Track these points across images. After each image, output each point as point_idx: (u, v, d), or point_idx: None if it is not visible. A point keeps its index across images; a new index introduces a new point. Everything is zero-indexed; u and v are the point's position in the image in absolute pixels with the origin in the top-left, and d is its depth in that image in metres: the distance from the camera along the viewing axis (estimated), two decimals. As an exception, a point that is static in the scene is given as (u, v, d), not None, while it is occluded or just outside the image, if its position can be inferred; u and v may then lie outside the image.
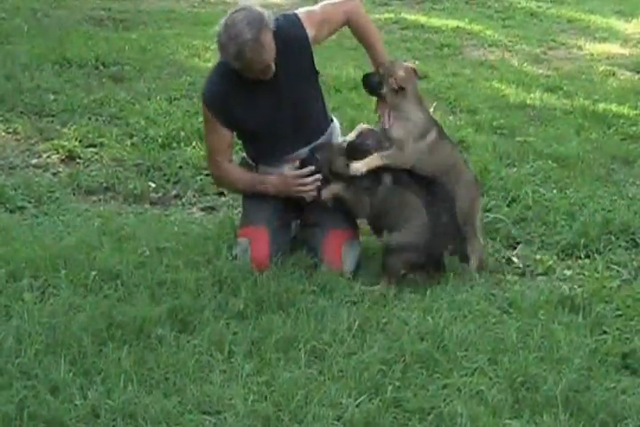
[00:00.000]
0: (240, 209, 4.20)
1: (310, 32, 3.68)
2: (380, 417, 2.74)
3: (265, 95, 3.65)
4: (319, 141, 3.85)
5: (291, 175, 3.71)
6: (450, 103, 6.40)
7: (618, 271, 3.93)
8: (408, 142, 3.67)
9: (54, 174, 4.82)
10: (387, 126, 3.72)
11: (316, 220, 3.79)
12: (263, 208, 3.78)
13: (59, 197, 4.48)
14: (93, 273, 3.47)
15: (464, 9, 10.19)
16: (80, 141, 5.17)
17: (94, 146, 5.16)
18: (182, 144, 5.19)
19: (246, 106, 3.65)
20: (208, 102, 3.70)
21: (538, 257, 4.04)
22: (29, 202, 4.40)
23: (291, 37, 3.62)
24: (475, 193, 3.88)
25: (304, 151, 3.79)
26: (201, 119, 5.44)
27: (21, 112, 5.63)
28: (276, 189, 3.73)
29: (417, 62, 7.55)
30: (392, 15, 9.43)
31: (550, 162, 5.14)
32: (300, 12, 3.74)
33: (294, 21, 3.67)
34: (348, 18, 3.79)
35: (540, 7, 10.42)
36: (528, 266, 3.99)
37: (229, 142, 3.79)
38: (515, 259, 4.03)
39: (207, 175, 4.84)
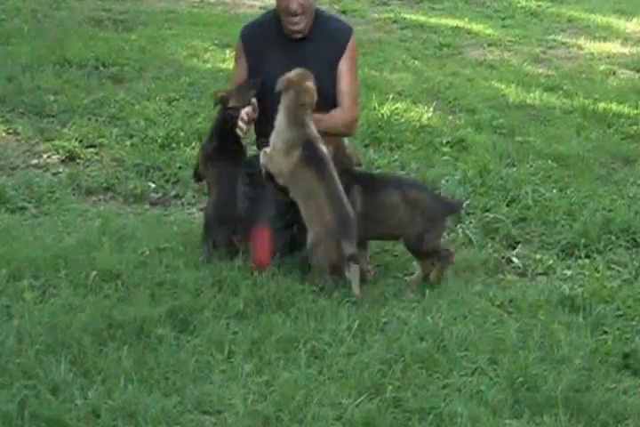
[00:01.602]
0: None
1: (350, 44, 3.87)
2: (380, 417, 2.74)
3: (287, 54, 3.83)
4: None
5: None
6: (449, 103, 6.41)
7: (618, 271, 3.94)
8: (275, 150, 3.57)
9: (54, 175, 4.82)
10: None
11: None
12: (265, 209, 3.79)
13: (59, 197, 4.48)
14: (94, 273, 3.47)
15: (463, 8, 10.21)
16: (80, 142, 5.17)
17: (94, 146, 5.16)
18: (182, 144, 5.20)
19: (267, 52, 3.86)
20: (242, 31, 3.98)
21: (538, 257, 4.05)
22: (30, 202, 4.40)
23: (336, 29, 3.89)
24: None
25: None
26: (199, 120, 5.53)
27: (22, 113, 5.64)
28: None
29: (416, 62, 7.57)
30: (391, 15, 9.44)
31: (550, 161, 5.15)
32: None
33: (349, 27, 3.95)
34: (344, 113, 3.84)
35: (539, 6, 10.43)
36: (528, 266, 3.99)
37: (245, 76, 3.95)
38: (514, 259, 4.04)
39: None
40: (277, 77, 3.74)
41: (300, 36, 3.85)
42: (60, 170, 4.87)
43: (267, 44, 3.89)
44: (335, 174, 3.54)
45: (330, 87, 3.86)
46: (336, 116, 3.83)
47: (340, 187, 3.53)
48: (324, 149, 3.57)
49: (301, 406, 2.75)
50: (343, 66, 3.86)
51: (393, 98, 6.17)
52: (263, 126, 3.93)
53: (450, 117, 6.07)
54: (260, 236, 3.72)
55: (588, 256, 4.06)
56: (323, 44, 3.84)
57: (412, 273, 3.78)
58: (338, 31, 3.89)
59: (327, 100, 3.83)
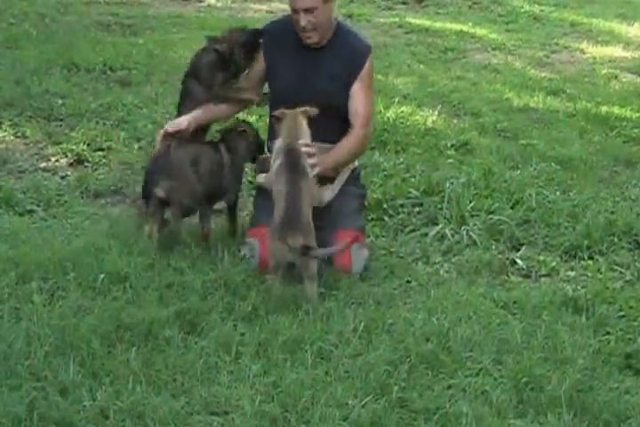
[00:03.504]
0: (247, 211, 4.26)
1: (366, 65, 3.83)
2: (386, 417, 2.76)
3: (303, 61, 3.83)
4: None
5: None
6: (454, 106, 6.43)
7: (621, 272, 3.96)
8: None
9: (63, 178, 4.85)
10: None
11: (326, 221, 3.80)
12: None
13: (67, 200, 4.51)
14: (102, 276, 3.50)
15: (467, 13, 10.23)
16: (88, 145, 5.20)
17: (102, 150, 5.19)
18: (189, 148, 5.23)
19: (285, 55, 3.86)
20: (266, 27, 3.98)
21: (541, 258, 4.08)
22: (38, 205, 4.43)
23: (354, 47, 3.83)
24: None
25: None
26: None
27: (30, 116, 5.66)
28: None
29: (421, 66, 7.60)
30: (396, 19, 9.47)
31: (553, 164, 5.18)
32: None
33: (367, 46, 3.89)
34: (359, 125, 3.83)
35: (542, 11, 10.45)
36: (532, 267, 4.02)
37: (259, 75, 3.97)
38: (519, 260, 4.06)
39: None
40: (290, 83, 3.77)
41: (316, 46, 3.82)
42: (69, 173, 4.91)
43: (286, 46, 3.86)
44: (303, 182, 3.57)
45: (340, 103, 3.84)
46: (346, 146, 3.81)
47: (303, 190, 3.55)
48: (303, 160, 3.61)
49: (308, 407, 2.78)
50: (357, 86, 3.81)
51: (398, 101, 6.19)
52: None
53: (454, 121, 6.09)
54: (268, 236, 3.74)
55: (590, 258, 4.09)
56: (339, 60, 3.78)
57: (418, 275, 3.82)
58: (356, 50, 3.82)
59: (337, 116, 3.83)
